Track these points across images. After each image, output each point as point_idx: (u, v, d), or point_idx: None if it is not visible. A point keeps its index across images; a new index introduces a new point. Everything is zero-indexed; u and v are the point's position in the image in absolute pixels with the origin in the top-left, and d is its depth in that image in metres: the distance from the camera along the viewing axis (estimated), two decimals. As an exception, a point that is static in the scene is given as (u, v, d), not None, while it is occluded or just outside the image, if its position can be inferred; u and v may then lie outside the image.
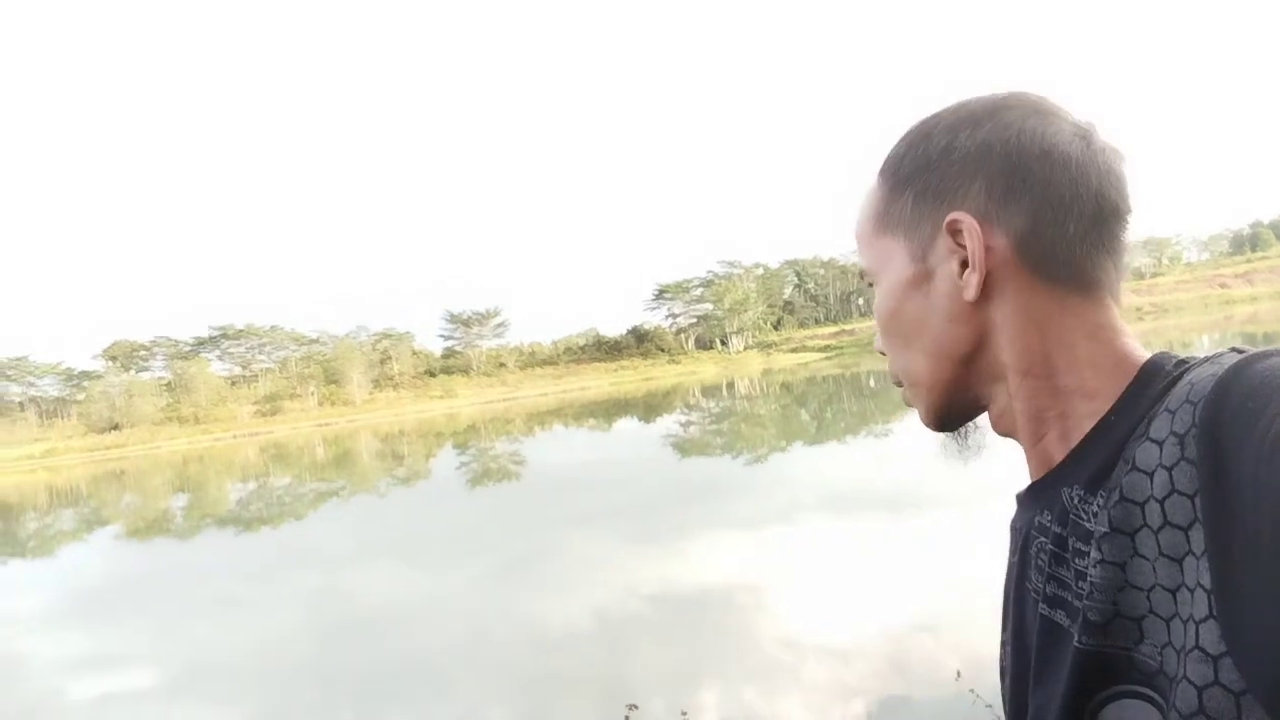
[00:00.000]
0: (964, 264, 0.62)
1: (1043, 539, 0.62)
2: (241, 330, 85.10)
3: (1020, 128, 0.61)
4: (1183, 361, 0.58)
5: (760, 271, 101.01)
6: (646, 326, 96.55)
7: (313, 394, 78.68)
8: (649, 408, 39.68)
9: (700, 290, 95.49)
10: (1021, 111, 0.62)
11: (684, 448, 21.37)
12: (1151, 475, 0.52)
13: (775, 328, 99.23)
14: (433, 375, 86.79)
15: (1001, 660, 0.69)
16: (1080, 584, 0.57)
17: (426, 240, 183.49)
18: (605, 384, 74.83)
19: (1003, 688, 0.69)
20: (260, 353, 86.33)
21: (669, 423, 29.84)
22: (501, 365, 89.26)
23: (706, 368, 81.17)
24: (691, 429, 26.73)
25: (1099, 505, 0.56)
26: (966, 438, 0.72)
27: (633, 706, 3.62)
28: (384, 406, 75.04)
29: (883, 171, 0.69)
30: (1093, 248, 0.60)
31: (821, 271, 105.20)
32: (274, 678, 7.06)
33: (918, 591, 6.59)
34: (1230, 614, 0.45)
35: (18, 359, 78.34)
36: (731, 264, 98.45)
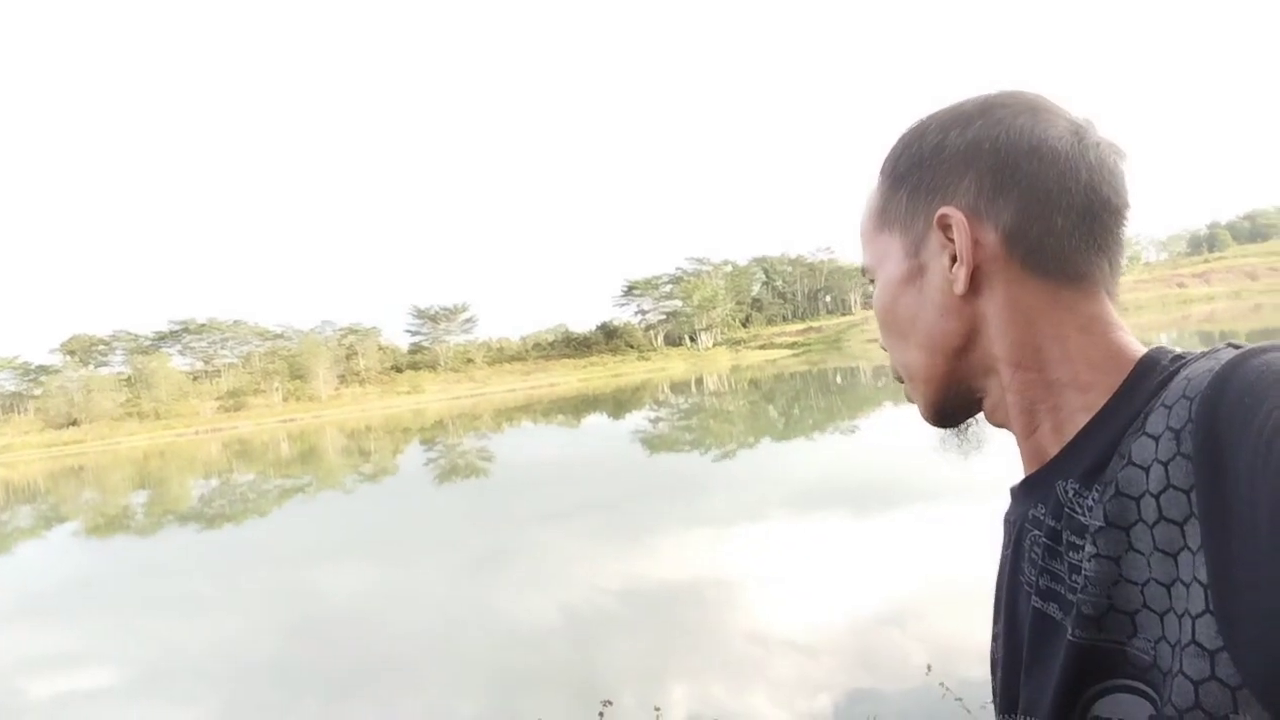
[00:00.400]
0: (954, 258, 0.63)
1: (1036, 532, 0.62)
2: (204, 325, 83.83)
3: (1010, 125, 0.62)
4: (1179, 357, 0.58)
5: (729, 269, 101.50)
6: (616, 323, 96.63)
7: (277, 389, 77.70)
8: (618, 404, 39.66)
9: (669, 287, 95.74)
10: (1014, 109, 0.63)
11: (653, 444, 21.40)
12: (1147, 470, 0.52)
13: (744, 324, 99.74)
14: (399, 371, 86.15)
15: (993, 653, 0.69)
16: (1074, 577, 0.57)
17: (393, 235, 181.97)
18: (574, 380, 74.75)
19: (994, 680, 0.69)
20: (223, 347, 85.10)
21: (638, 419, 29.86)
22: (469, 361, 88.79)
23: (675, 364, 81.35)
24: (660, 425, 26.76)
25: (1094, 499, 0.56)
26: (965, 431, 0.72)
27: (607, 703, 3.61)
28: (350, 402, 74.35)
29: (882, 170, 0.70)
30: (1082, 242, 0.60)
31: (789, 269, 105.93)
32: (237, 676, 6.96)
33: (887, 586, 6.65)
34: (1227, 609, 0.45)
35: (-29, 354, 76.54)
36: (700, 261, 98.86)
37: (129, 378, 75.71)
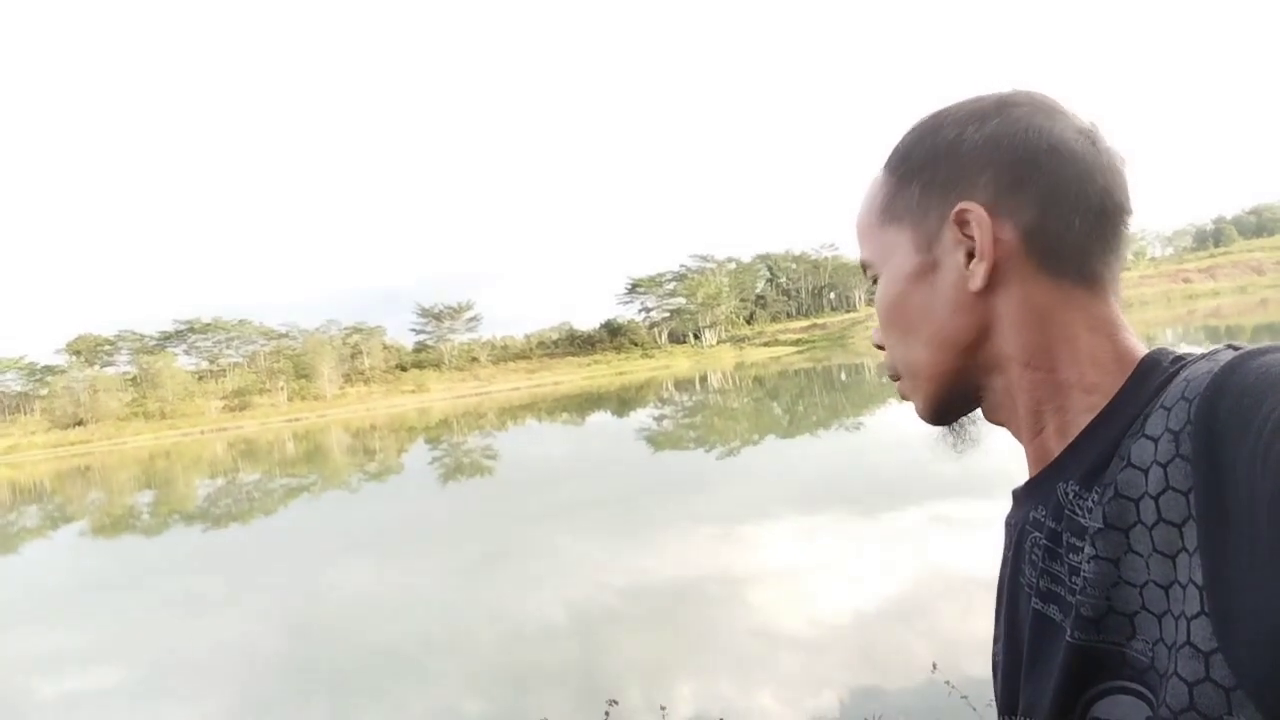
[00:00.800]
0: (970, 254, 0.62)
1: (1037, 534, 0.62)
2: (209, 324, 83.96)
3: (1029, 123, 0.62)
4: (1179, 358, 0.59)
5: (733, 266, 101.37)
6: (620, 320, 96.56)
7: (282, 389, 77.80)
8: (622, 402, 39.65)
9: (673, 284, 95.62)
10: (1029, 108, 0.63)
11: (657, 441, 21.39)
12: (1146, 471, 0.52)
13: (748, 322, 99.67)
14: (404, 370, 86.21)
15: (994, 655, 0.69)
16: (1074, 579, 0.57)
17: (398, 234, 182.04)
18: (578, 378, 74.70)
19: (995, 682, 0.69)
20: (228, 347, 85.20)
21: (642, 416, 29.84)
22: (474, 359, 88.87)
23: (679, 361, 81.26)
24: (665, 423, 26.75)
25: (1094, 501, 0.56)
26: (963, 429, 0.72)
27: (613, 702, 3.61)
28: (355, 401, 74.39)
29: (889, 164, 0.69)
30: (1097, 243, 0.61)
31: (794, 266, 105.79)
32: (243, 674, 6.97)
33: (892, 583, 6.64)
34: (1222, 610, 0.45)
35: (-21, 354, 76.75)
36: (704, 258, 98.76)
37: (134, 378, 75.88)
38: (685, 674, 5.51)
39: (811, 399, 29.29)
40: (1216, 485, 0.47)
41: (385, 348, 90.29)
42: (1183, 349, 0.60)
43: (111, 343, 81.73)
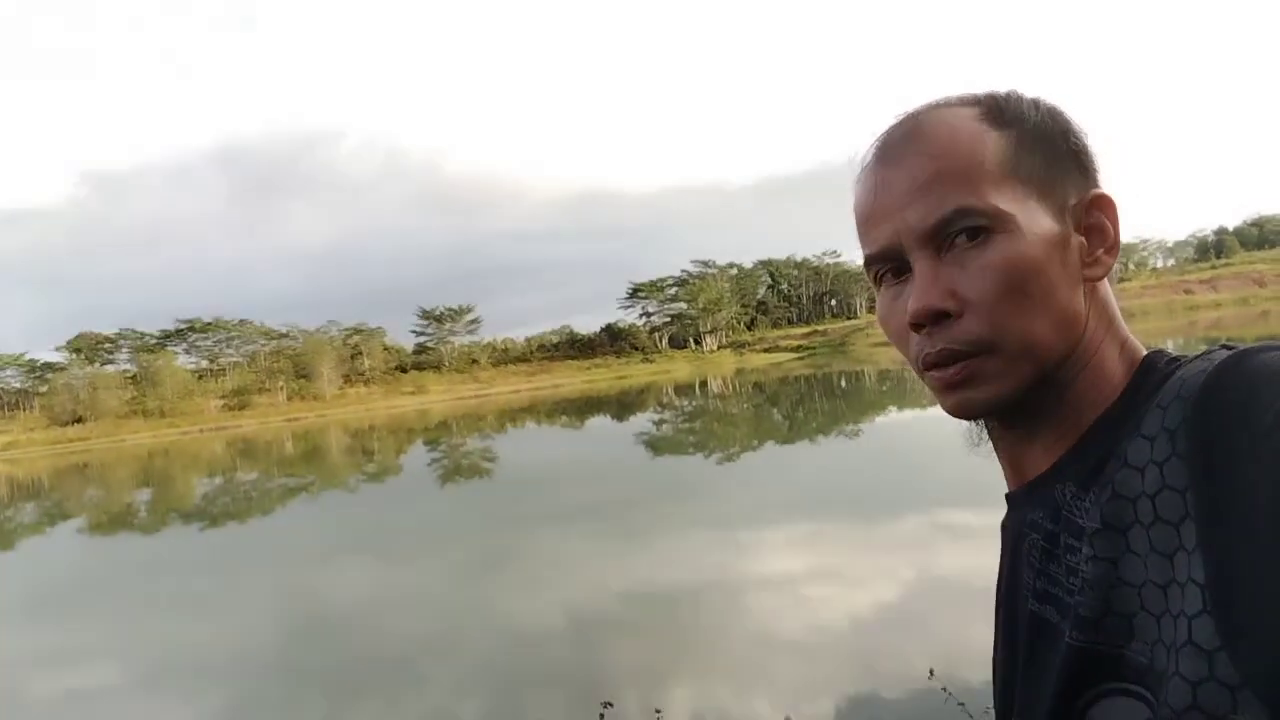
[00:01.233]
0: (1098, 242, 0.62)
1: (1034, 536, 0.62)
2: (209, 324, 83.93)
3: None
4: (1175, 359, 0.58)
5: (734, 271, 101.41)
6: (620, 325, 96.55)
7: (282, 388, 77.81)
8: (622, 406, 39.63)
9: (674, 289, 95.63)
10: None
11: (656, 446, 21.37)
12: (1143, 471, 0.52)
13: (749, 327, 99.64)
14: (404, 371, 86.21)
15: (993, 659, 0.69)
16: (1072, 580, 0.56)
17: (401, 235, 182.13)
18: (578, 382, 74.72)
19: (994, 686, 0.69)
20: (228, 346, 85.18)
21: (642, 421, 29.82)
22: (474, 362, 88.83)
23: (680, 366, 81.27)
24: (664, 428, 26.73)
25: (1091, 502, 0.55)
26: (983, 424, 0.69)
27: (608, 704, 3.59)
28: (355, 402, 74.39)
29: (1004, 121, 0.62)
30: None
31: (795, 272, 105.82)
32: (238, 673, 6.95)
33: (889, 589, 6.62)
34: (1225, 608, 0.45)
35: (-22, 349, 76.76)
36: (706, 263, 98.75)
37: (134, 376, 75.85)
38: (681, 679, 5.49)
39: (811, 405, 29.27)
40: (1214, 482, 0.46)
41: (385, 349, 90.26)
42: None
43: (112, 340, 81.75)
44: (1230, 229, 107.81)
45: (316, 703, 6.01)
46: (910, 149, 0.62)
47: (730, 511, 10.88)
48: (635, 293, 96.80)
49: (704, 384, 51.99)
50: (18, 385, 78.82)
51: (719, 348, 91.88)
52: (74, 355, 78.40)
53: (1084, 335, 0.61)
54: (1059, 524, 0.59)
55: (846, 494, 11.10)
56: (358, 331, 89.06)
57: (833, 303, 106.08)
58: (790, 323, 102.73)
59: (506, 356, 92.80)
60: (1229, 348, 0.54)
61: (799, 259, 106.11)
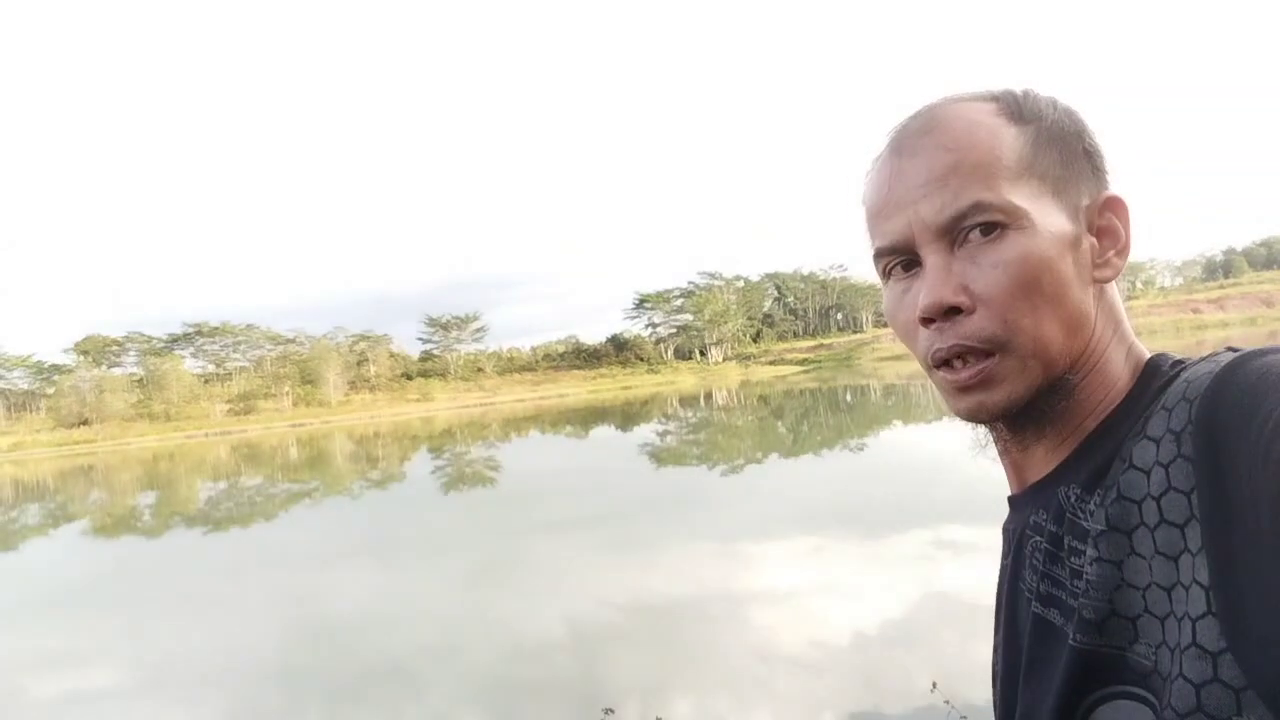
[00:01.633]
0: (1109, 244, 0.62)
1: (1037, 538, 0.61)
2: (216, 328, 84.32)
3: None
4: (1180, 361, 0.58)
5: (740, 284, 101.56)
6: (626, 335, 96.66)
7: (287, 394, 77.97)
8: (626, 416, 39.60)
9: (680, 301, 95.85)
10: None
11: (661, 457, 21.35)
12: (1148, 473, 0.52)
13: (754, 340, 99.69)
14: (410, 378, 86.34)
15: (994, 664, 0.68)
16: (1075, 582, 0.56)
17: (408, 243, 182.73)
18: (583, 392, 74.71)
19: (994, 692, 0.68)
20: (235, 351, 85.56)
21: (646, 432, 29.79)
22: (479, 370, 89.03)
23: (685, 378, 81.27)
24: (668, 438, 26.70)
25: (1096, 503, 0.55)
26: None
27: (609, 711, 3.58)
28: (360, 408, 74.52)
29: (1022, 117, 0.62)
30: None
31: (802, 286, 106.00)
32: (240, 679, 6.94)
33: (892, 603, 6.59)
34: (1230, 610, 0.44)
35: (-13, 351, 77.08)
36: (712, 275, 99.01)
37: (141, 379, 76.17)
38: (682, 691, 5.47)
39: (816, 419, 29.22)
40: (1219, 484, 0.46)
41: (391, 356, 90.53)
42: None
43: (119, 344, 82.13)
44: (1239, 249, 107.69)
45: (317, 709, 6.00)
46: (927, 141, 0.61)
47: (733, 524, 10.86)
48: (641, 303, 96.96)
49: (709, 396, 51.94)
50: (25, 387, 79.15)
51: (724, 360, 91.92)
52: (81, 358, 78.71)
53: (1092, 337, 0.60)
54: (1063, 526, 0.58)
55: (850, 508, 11.06)
56: (364, 338, 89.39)
57: (838, 317, 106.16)
58: (796, 336, 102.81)
59: (512, 365, 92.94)
60: (1234, 350, 0.54)
61: (805, 272, 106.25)
